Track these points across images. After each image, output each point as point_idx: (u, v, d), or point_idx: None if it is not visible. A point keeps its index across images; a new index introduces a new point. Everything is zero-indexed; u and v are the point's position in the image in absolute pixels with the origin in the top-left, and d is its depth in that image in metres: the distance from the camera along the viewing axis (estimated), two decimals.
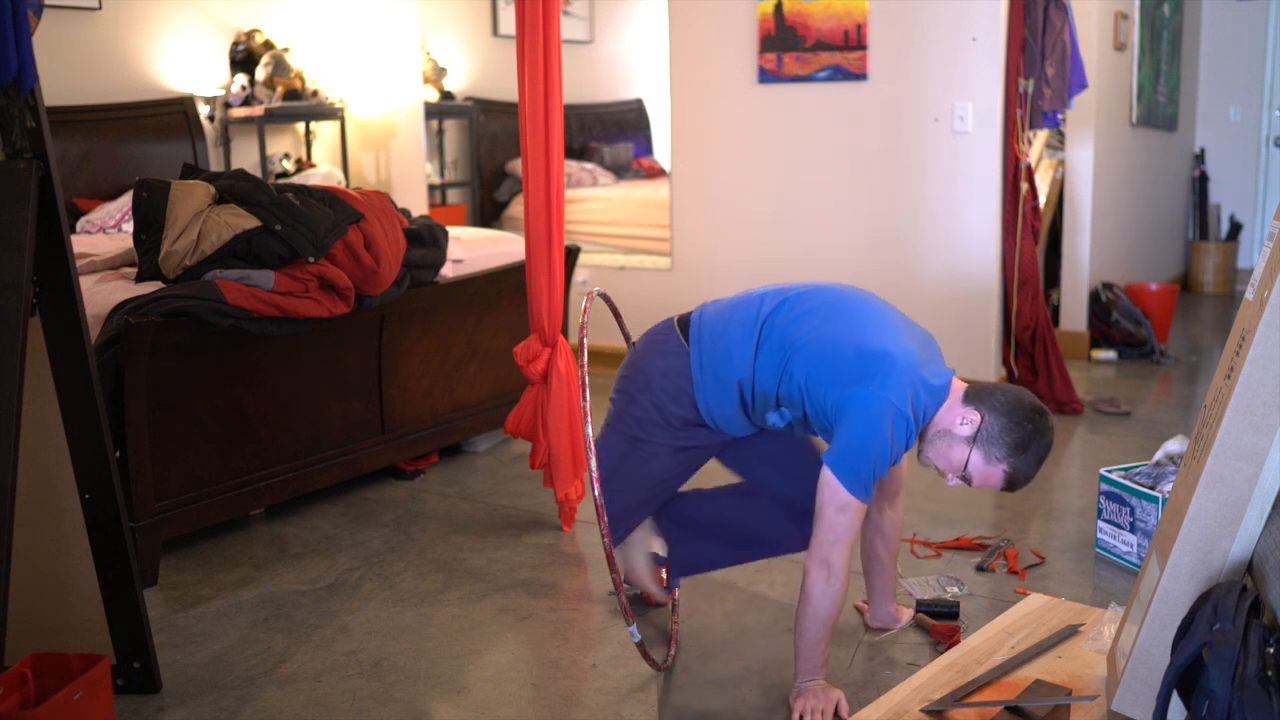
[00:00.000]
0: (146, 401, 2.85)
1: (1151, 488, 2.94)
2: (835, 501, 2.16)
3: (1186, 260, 7.94)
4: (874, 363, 2.17)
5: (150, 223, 3.16)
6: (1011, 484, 2.23)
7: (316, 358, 3.38)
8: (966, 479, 2.23)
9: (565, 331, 3.76)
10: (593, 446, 2.29)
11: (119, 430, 2.81)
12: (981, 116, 4.42)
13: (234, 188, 3.24)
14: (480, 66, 6.76)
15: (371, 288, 3.32)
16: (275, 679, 2.44)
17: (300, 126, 5.73)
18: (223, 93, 5.31)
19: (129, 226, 4.27)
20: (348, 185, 5.58)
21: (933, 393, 2.21)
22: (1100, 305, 5.69)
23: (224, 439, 3.14)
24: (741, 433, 2.42)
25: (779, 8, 4.74)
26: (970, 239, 4.49)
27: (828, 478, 2.16)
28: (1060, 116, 4.65)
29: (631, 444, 2.44)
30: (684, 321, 2.43)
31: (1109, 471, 3.08)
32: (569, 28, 7.29)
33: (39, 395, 2.22)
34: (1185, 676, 1.68)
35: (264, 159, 5.30)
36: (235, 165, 5.34)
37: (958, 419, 2.20)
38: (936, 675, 2.29)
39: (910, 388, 2.16)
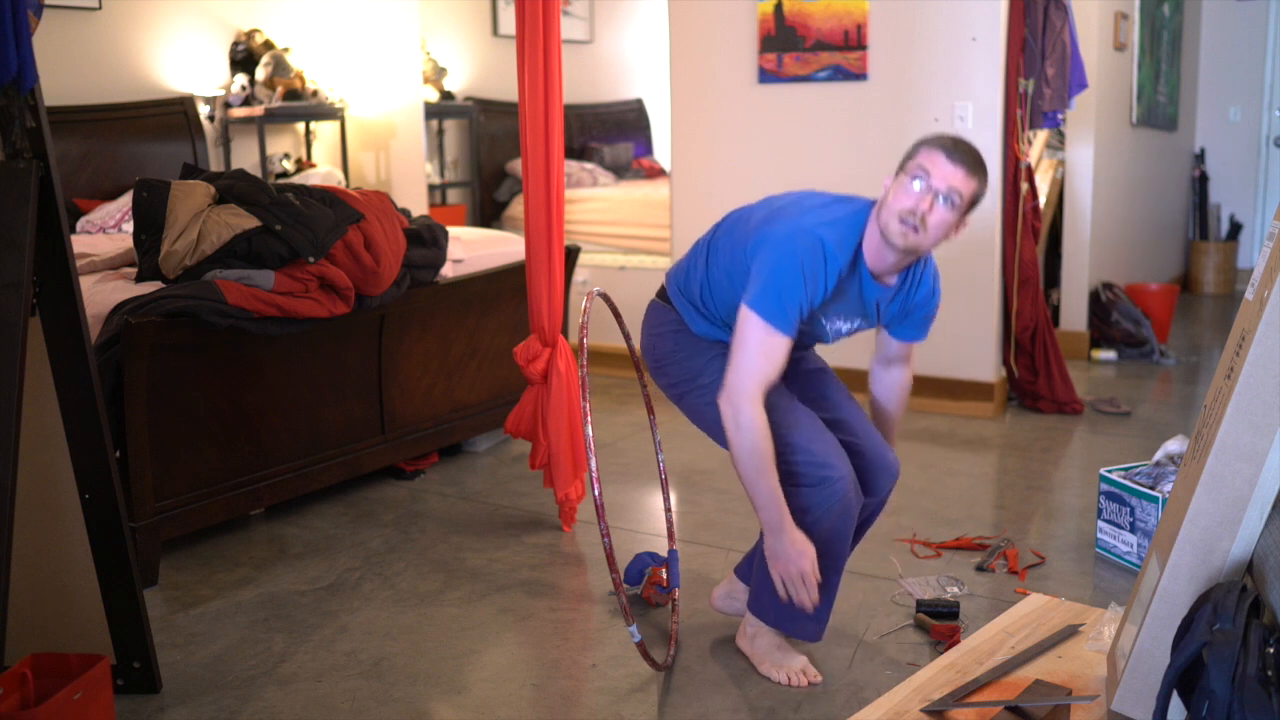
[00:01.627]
0: (146, 401, 2.85)
1: (1151, 488, 2.94)
2: (740, 330, 2.18)
3: (1186, 260, 7.94)
4: (783, 213, 2.24)
5: (150, 223, 3.16)
6: (926, 143, 2.16)
7: (316, 358, 3.38)
8: (917, 197, 2.13)
9: (565, 331, 3.76)
10: (592, 446, 2.29)
11: (119, 430, 2.81)
12: (981, 116, 4.42)
13: (234, 188, 3.25)
14: (480, 66, 6.76)
15: (371, 288, 3.32)
16: (275, 679, 2.44)
17: (300, 126, 5.73)
18: (223, 93, 5.31)
19: (129, 226, 4.27)
20: (348, 185, 5.58)
21: (855, 212, 2.23)
22: (1100, 305, 5.69)
23: (224, 439, 3.14)
24: None
25: (779, 8, 4.74)
26: (970, 239, 4.49)
27: (740, 310, 2.20)
28: (1060, 116, 4.64)
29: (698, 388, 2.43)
30: (661, 292, 2.52)
31: (1109, 471, 3.08)
32: (569, 28, 7.29)
33: (39, 395, 2.22)
34: (1185, 676, 1.68)
35: (264, 159, 5.30)
36: (235, 165, 5.34)
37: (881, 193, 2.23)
38: (936, 675, 2.29)
39: (829, 219, 2.20)
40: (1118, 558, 3.00)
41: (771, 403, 2.25)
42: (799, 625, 2.39)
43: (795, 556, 2.21)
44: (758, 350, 2.16)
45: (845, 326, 2.37)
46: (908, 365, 2.54)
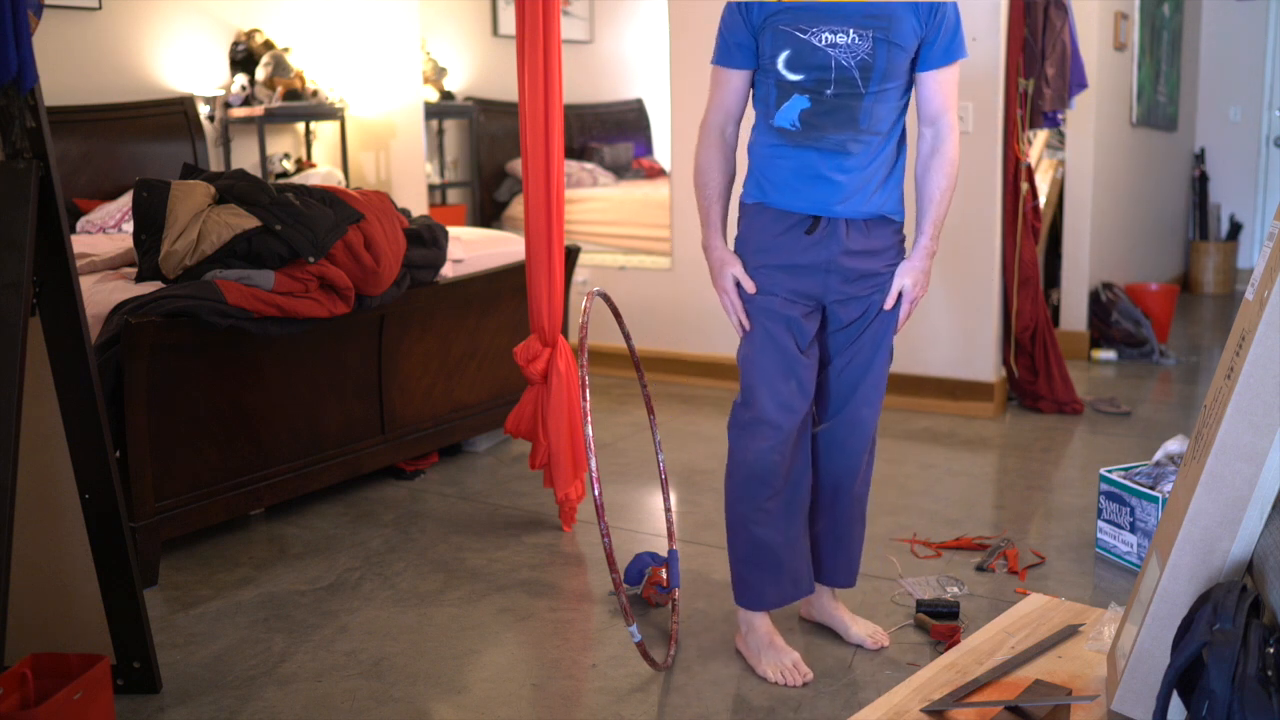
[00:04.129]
0: (146, 401, 2.85)
1: (1151, 488, 2.94)
2: None
3: (1186, 260, 7.94)
4: None
5: (150, 223, 3.16)
6: None
7: (316, 358, 3.39)
8: None
9: (565, 331, 3.76)
10: (592, 446, 2.29)
11: (119, 430, 2.81)
12: (981, 116, 4.42)
13: (234, 188, 3.25)
14: (480, 66, 6.76)
15: (371, 288, 3.32)
16: (275, 679, 2.44)
17: (300, 126, 5.73)
18: (223, 93, 5.31)
19: (129, 226, 4.27)
20: (348, 185, 5.58)
21: None
22: (1100, 305, 5.69)
23: (224, 439, 3.14)
24: (801, 173, 2.36)
25: None
26: (970, 239, 4.49)
27: None
28: (1060, 116, 4.64)
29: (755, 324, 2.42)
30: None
31: (1109, 471, 3.08)
32: (569, 28, 7.29)
33: (39, 395, 2.22)
34: (1185, 676, 1.68)
35: (264, 159, 5.30)
36: (235, 165, 5.34)
37: None
38: (936, 675, 2.29)
39: None
40: (1118, 558, 3.00)
41: (778, 346, 2.34)
42: (753, 593, 2.44)
43: (718, 265, 2.43)
44: (711, 86, 2.40)
45: (843, 39, 2.16)
46: (949, 136, 2.29)
